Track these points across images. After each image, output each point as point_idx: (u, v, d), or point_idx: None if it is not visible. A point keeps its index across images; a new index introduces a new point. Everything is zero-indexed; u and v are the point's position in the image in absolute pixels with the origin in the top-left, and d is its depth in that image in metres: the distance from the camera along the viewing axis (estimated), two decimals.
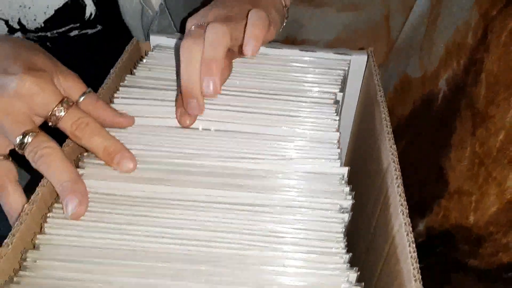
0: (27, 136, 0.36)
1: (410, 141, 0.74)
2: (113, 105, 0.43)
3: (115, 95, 0.45)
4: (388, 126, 0.42)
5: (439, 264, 0.61)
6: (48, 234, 0.35)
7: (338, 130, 0.42)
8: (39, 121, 0.38)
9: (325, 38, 0.83)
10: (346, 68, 0.50)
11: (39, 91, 0.37)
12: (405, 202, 0.35)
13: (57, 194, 0.37)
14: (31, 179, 0.57)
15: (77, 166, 0.39)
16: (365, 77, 0.52)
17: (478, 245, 0.54)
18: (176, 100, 0.43)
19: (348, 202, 0.36)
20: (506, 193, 0.52)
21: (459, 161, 0.61)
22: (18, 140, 0.36)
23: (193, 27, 0.41)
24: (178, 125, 0.42)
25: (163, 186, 0.37)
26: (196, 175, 0.38)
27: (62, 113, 0.37)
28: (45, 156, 0.36)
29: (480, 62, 0.62)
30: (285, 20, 0.50)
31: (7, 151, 0.39)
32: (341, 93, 0.46)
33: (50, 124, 0.38)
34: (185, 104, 0.40)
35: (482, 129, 0.58)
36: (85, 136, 0.38)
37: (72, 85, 0.40)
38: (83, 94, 0.40)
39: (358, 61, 0.51)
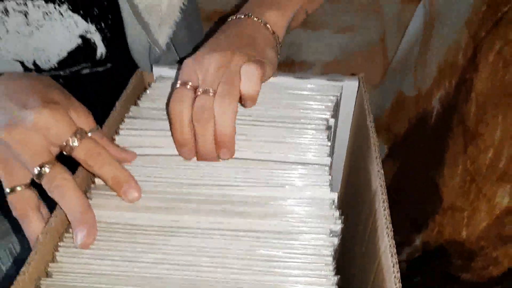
0: (44, 167, 0.39)
1: (407, 158, 0.77)
2: (119, 136, 0.47)
3: (121, 126, 0.48)
4: (377, 151, 0.44)
5: (434, 278, 0.63)
6: (60, 262, 0.37)
7: (329, 156, 0.45)
8: (55, 151, 0.41)
9: (323, 59, 0.85)
10: (338, 94, 0.52)
11: (55, 123, 0.40)
12: (391, 225, 0.37)
13: (68, 224, 0.40)
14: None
15: (86, 196, 0.42)
16: (357, 102, 0.54)
17: (470, 259, 0.56)
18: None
19: (337, 227, 0.39)
20: (495, 208, 0.54)
21: (452, 178, 0.63)
22: (36, 170, 0.39)
23: (179, 85, 0.44)
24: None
25: (165, 214, 0.40)
26: (196, 203, 0.40)
27: (76, 143, 0.40)
28: (60, 186, 0.39)
29: (470, 81, 0.64)
30: (278, 56, 0.52)
31: (28, 181, 0.41)
32: (333, 119, 0.49)
33: (65, 153, 0.41)
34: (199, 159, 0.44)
35: (473, 147, 0.60)
36: (97, 165, 0.41)
37: (83, 120, 0.43)
38: (91, 130, 0.43)
39: (350, 87, 0.54)
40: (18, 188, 0.41)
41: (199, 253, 0.37)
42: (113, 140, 0.47)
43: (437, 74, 0.72)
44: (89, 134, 0.43)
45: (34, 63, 0.56)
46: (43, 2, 0.53)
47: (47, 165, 0.39)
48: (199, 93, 0.43)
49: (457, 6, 0.71)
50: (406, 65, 0.81)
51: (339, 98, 0.53)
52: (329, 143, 0.46)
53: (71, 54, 0.56)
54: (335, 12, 0.84)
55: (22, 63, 0.56)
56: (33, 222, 0.40)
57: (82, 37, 0.56)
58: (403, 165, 0.77)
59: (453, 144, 0.65)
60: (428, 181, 0.67)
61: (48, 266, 0.37)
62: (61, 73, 0.58)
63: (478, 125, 0.61)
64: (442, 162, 0.65)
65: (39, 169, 0.39)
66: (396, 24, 0.85)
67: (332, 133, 0.51)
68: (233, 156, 0.43)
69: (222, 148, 0.43)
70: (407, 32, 0.83)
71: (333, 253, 0.37)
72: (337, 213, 0.40)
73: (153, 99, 0.52)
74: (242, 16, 0.50)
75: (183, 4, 0.58)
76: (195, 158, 0.45)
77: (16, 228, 0.41)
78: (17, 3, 0.53)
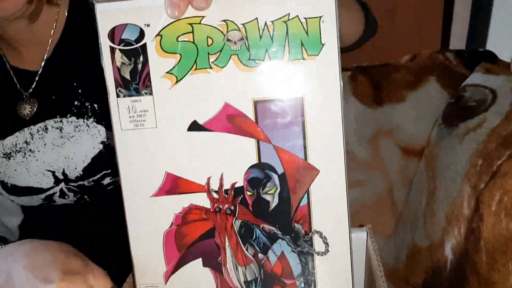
0: None
1: None
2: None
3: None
4: None
5: None
6: None
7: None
8: None
9: None
10: None
11: None
12: None
13: None
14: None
15: None
16: (367, 253, 0.56)
17: None
18: None
19: None
20: None
21: None
22: None
23: None
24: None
25: None
26: None
27: None
28: None
29: (478, 230, 0.66)
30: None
31: None
32: None
33: None
34: None
35: None
36: None
37: (100, 282, 0.46)
38: None
39: (358, 238, 0.56)
40: None
41: None
42: None
43: (445, 224, 0.74)
44: None
45: (63, 173, 0.62)
46: (75, 118, 0.62)
47: None
48: None
49: (455, 160, 0.77)
50: (416, 216, 0.84)
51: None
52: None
53: (94, 160, 0.63)
54: None
55: (53, 173, 0.63)
56: None
57: (103, 143, 0.62)
58: None
59: None
60: None
61: None
62: (86, 183, 0.63)
63: (490, 273, 0.61)
64: None
65: None
66: (401, 177, 0.90)
67: None
68: None
69: None
70: (413, 186, 0.88)
71: None
72: None
73: None
74: None
75: None
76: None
77: None
78: (55, 121, 0.62)
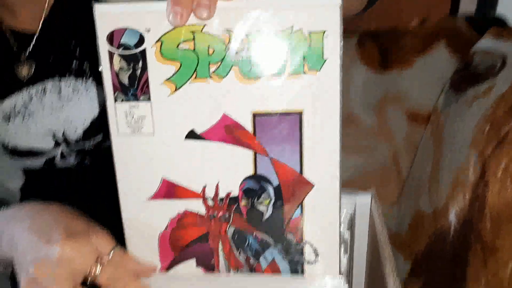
0: None
1: (430, 274, 0.76)
2: None
3: None
4: (392, 264, 0.45)
5: None
6: None
7: (344, 266, 0.46)
8: (80, 279, 0.44)
9: None
10: (352, 209, 0.55)
11: (77, 255, 0.43)
12: None
13: None
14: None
15: None
16: (371, 218, 0.56)
17: None
18: None
19: None
20: None
21: None
22: None
23: None
24: (204, 272, 0.47)
25: None
26: None
27: (98, 271, 0.44)
28: None
29: (483, 197, 0.66)
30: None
31: None
32: (348, 231, 0.51)
33: (88, 281, 0.44)
34: (196, 4, 0.39)
35: (492, 261, 0.60)
36: None
37: (103, 242, 0.46)
38: (112, 248, 0.46)
39: (363, 202, 0.56)
40: None
41: None
42: None
43: (450, 191, 0.74)
44: (111, 253, 0.46)
45: (64, 135, 0.63)
46: (73, 79, 0.61)
47: None
48: None
49: (462, 126, 0.76)
50: (421, 183, 0.84)
51: (353, 213, 0.55)
52: (345, 255, 0.47)
53: (93, 123, 0.62)
54: (347, 135, 0.90)
55: (53, 136, 0.63)
56: None
57: (102, 105, 0.62)
58: (427, 282, 0.76)
59: (473, 259, 0.65)
60: None
61: None
62: (86, 147, 0.64)
63: (495, 240, 0.61)
64: (464, 277, 0.65)
65: None
66: (407, 144, 0.89)
67: (349, 246, 0.52)
68: None
69: None
70: (418, 153, 0.88)
71: None
72: None
73: None
74: None
75: None
76: (221, 277, 0.46)
77: None
78: (53, 83, 0.61)
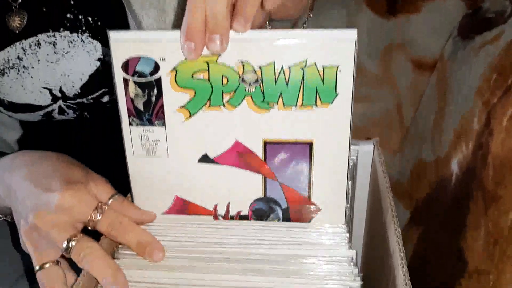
0: (71, 241, 0.42)
1: (430, 223, 0.77)
2: None
3: None
4: (393, 211, 0.45)
5: None
6: None
7: (346, 216, 0.46)
8: (80, 226, 0.44)
9: None
10: (355, 158, 0.55)
11: (78, 203, 0.43)
12: (409, 282, 0.38)
13: (96, 283, 0.41)
14: None
15: (113, 257, 0.44)
16: (373, 165, 0.56)
17: None
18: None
19: (356, 283, 0.40)
20: None
21: (475, 241, 0.63)
22: (64, 245, 0.42)
23: None
24: (201, 216, 0.47)
25: (189, 273, 0.41)
26: (218, 261, 0.42)
27: (99, 217, 0.44)
28: (87, 256, 0.41)
29: (486, 146, 0.66)
30: (310, 14, 0.51)
31: (56, 258, 0.44)
32: (350, 181, 0.51)
33: (89, 227, 0.44)
34: (208, 40, 0.39)
35: (493, 210, 0.61)
36: (120, 234, 0.44)
37: (101, 190, 0.46)
38: (112, 196, 0.46)
39: (365, 151, 0.56)
40: (47, 265, 0.43)
41: None
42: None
43: (453, 139, 0.74)
44: (110, 201, 0.46)
45: (61, 90, 0.61)
46: (69, 32, 0.59)
47: (73, 239, 0.42)
48: None
49: (468, 75, 0.74)
50: (424, 132, 0.83)
51: (355, 161, 0.55)
52: (347, 204, 0.47)
53: (91, 77, 0.61)
54: None
55: (50, 91, 0.61)
56: None
57: (100, 60, 0.61)
58: (426, 230, 0.77)
59: (474, 207, 0.65)
60: (452, 245, 0.67)
61: None
62: (85, 101, 0.63)
63: (497, 188, 0.61)
64: (464, 225, 0.65)
65: (66, 243, 0.42)
66: (411, 93, 0.88)
67: (350, 194, 0.52)
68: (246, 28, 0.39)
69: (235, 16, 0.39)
70: (422, 101, 0.86)
71: None
72: (356, 270, 0.41)
73: None
74: None
75: None
76: (220, 220, 0.47)
77: None
78: (47, 36, 0.59)
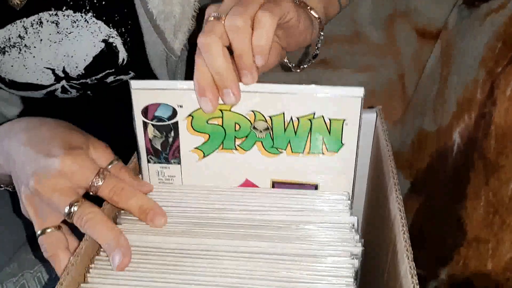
0: (73, 206, 0.42)
1: (430, 192, 0.77)
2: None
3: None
4: (395, 178, 0.45)
5: None
6: (91, 283, 0.39)
7: (350, 182, 0.46)
8: (82, 191, 0.44)
9: None
10: None
11: (79, 168, 0.43)
12: (410, 248, 0.38)
13: (98, 248, 0.42)
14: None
15: (115, 223, 0.44)
16: (375, 133, 0.56)
17: None
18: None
19: (358, 249, 0.40)
20: None
21: (475, 210, 0.63)
22: (66, 210, 0.42)
23: (211, 18, 0.41)
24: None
25: (190, 238, 0.41)
26: (220, 227, 0.42)
27: (100, 183, 0.43)
28: (90, 220, 0.41)
29: (489, 116, 0.65)
30: (321, 36, 0.52)
31: (58, 223, 0.44)
32: None
33: (90, 193, 0.44)
34: (221, 94, 0.42)
35: (494, 179, 0.61)
36: (122, 200, 0.44)
37: (101, 155, 0.46)
38: (111, 162, 0.46)
39: (368, 119, 0.56)
40: (48, 230, 0.43)
41: (224, 274, 0.39)
42: (141, 169, 0.49)
43: (456, 109, 0.73)
44: (110, 166, 0.46)
45: (64, 71, 0.60)
46: (72, 11, 0.57)
47: (75, 204, 0.42)
48: (212, 18, 0.41)
49: (472, 44, 0.73)
50: (426, 102, 0.83)
51: None
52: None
53: (96, 59, 0.60)
54: (354, 53, 0.87)
55: (53, 71, 0.60)
56: (62, 261, 0.42)
57: (105, 41, 0.59)
58: (426, 200, 0.77)
59: (474, 177, 0.65)
60: (452, 214, 0.67)
61: (80, 287, 0.39)
62: (88, 81, 0.62)
63: (498, 158, 0.61)
64: (464, 195, 0.66)
65: (68, 208, 0.42)
66: (414, 63, 0.87)
67: None
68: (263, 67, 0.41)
69: (241, 70, 0.41)
70: (425, 71, 0.85)
71: (354, 274, 0.38)
72: (357, 237, 0.41)
73: None
74: None
75: (195, 11, 0.61)
76: (221, 187, 0.47)
77: (44, 258, 0.44)
78: (49, 14, 0.57)
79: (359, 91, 0.42)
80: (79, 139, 0.46)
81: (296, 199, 0.45)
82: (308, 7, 0.51)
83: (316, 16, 0.52)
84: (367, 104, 0.88)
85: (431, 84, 0.83)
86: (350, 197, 0.46)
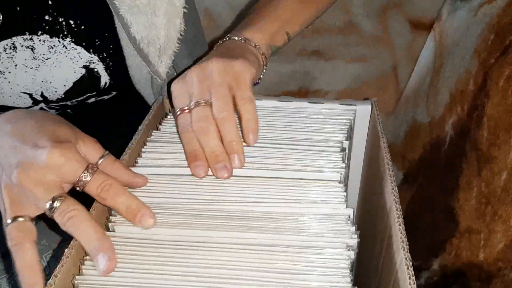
0: (56, 201, 0.39)
1: (423, 183, 0.78)
2: (141, 159, 0.49)
3: (143, 149, 0.50)
4: (390, 170, 0.45)
5: None
6: (86, 275, 0.39)
7: (345, 174, 0.46)
8: (67, 187, 0.42)
9: (336, 88, 0.88)
10: (352, 118, 0.54)
11: (66, 162, 0.40)
12: (406, 239, 0.38)
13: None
14: None
15: (110, 214, 0.43)
16: (370, 125, 0.56)
17: (488, 282, 0.56)
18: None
19: (353, 241, 0.40)
20: (511, 229, 0.54)
21: (467, 201, 0.63)
22: (48, 205, 0.39)
23: (179, 112, 0.48)
24: None
25: (186, 230, 0.41)
26: (216, 219, 0.42)
27: (88, 178, 0.41)
28: (73, 218, 0.39)
29: (482, 107, 0.66)
30: (264, 67, 0.54)
31: (34, 215, 0.41)
32: (347, 141, 0.50)
33: (78, 188, 0.42)
34: (212, 169, 0.46)
35: (487, 170, 0.61)
36: (109, 197, 0.41)
37: (91, 150, 0.44)
38: (102, 156, 0.44)
39: (363, 110, 0.56)
40: (20, 219, 0.40)
41: (220, 266, 0.38)
42: (135, 162, 0.49)
43: (449, 100, 0.73)
44: (100, 161, 0.44)
45: (42, 95, 0.58)
46: (48, 36, 0.54)
47: (58, 199, 0.39)
48: (192, 106, 0.47)
49: (465, 35, 0.73)
50: (419, 93, 0.83)
51: (352, 121, 0.54)
52: (344, 164, 0.47)
53: (76, 84, 0.58)
54: (347, 44, 0.87)
55: (30, 95, 0.58)
56: (27, 252, 0.39)
57: (86, 67, 0.57)
58: (419, 191, 0.77)
59: (467, 168, 0.65)
60: (444, 205, 0.68)
61: (75, 279, 0.39)
62: (68, 103, 0.60)
63: (491, 149, 0.62)
64: (457, 186, 0.66)
65: (50, 202, 0.39)
66: (407, 54, 0.87)
67: (347, 154, 0.52)
68: (243, 165, 0.46)
69: (230, 155, 0.46)
70: (419, 62, 0.86)
71: (350, 266, 0.38)
72: (353, 228, 0.41)
73: (174, 124, 0.54)
74: (223, 40, 0.54)
75: (180, 35, 0.59)
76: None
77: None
78: (24, 39, 0.54)
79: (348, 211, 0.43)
80: (68, 132, 0.44)
81: (292, 190, 0.45)
82: (253, 45, 0.53)
83: (261, 53, 0.53)
84: (360, 95, 0.89)
85: (424, 75, 0.83)
86: (345, 189, 0.45)
